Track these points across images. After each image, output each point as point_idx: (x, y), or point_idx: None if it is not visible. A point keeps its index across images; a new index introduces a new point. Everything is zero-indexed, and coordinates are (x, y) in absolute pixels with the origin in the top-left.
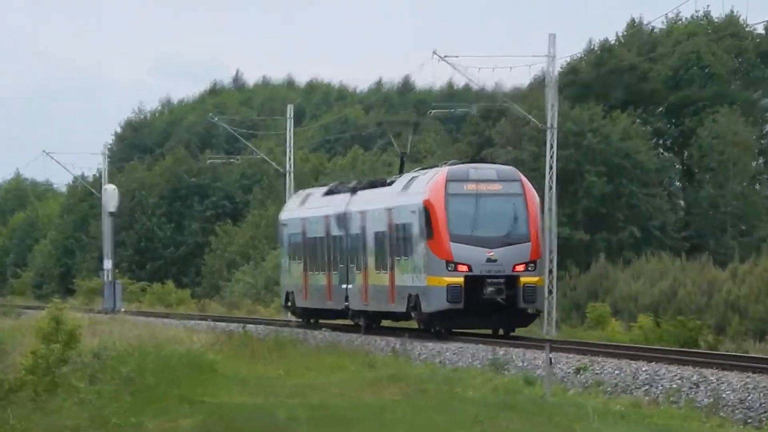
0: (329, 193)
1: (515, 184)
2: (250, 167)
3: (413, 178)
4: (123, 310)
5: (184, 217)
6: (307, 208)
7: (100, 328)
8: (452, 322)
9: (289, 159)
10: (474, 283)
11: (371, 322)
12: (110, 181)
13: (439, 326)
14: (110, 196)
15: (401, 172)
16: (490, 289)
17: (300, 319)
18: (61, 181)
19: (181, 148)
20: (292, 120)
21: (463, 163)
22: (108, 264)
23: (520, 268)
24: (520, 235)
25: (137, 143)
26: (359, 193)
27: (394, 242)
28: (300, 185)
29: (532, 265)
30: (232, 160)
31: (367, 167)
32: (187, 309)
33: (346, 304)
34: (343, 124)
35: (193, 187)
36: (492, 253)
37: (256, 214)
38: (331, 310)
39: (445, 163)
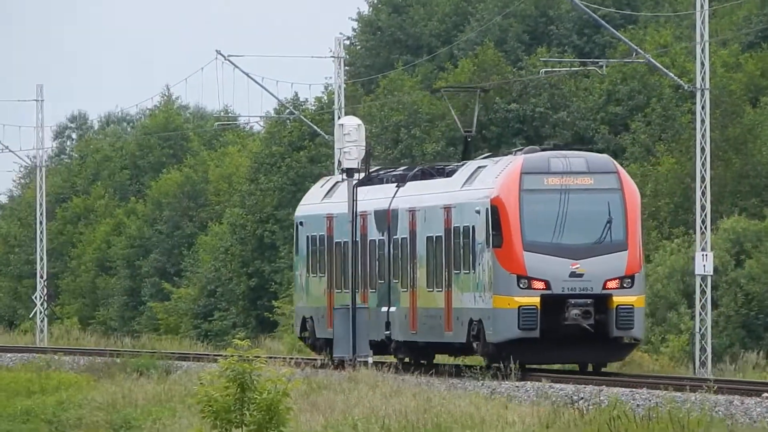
0: (366, 182)
1: (610, 177)
2: (624, 81)
3: (479, 168)
4: (370, 360)
5: None
6: (334, 202)
7: (330, 397)
8: (526, 355)
9: (701, 64)
10: (553, 304)
11: (420, 358)
12: (350, 110)
13: (509, 361)
14: (349, 138)
15: (465, 157)
16: (574, 311)
17: (320, 356)
18: (254, 109)
19: (487, 43)
20: None
21: (543, 149)
22: None
23: (613, 284)
24: (615, 243)
25: (401, 32)
26: (409, 184)
27: (452, 251)
28: (728, 114)
29: (629, 280)
30: (591, 70)
31: None
32: None
33: (387, 333)
34: None
35: (507, 120)
36: (577, 266)
37: (633, 167)
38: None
39: (521, 150)
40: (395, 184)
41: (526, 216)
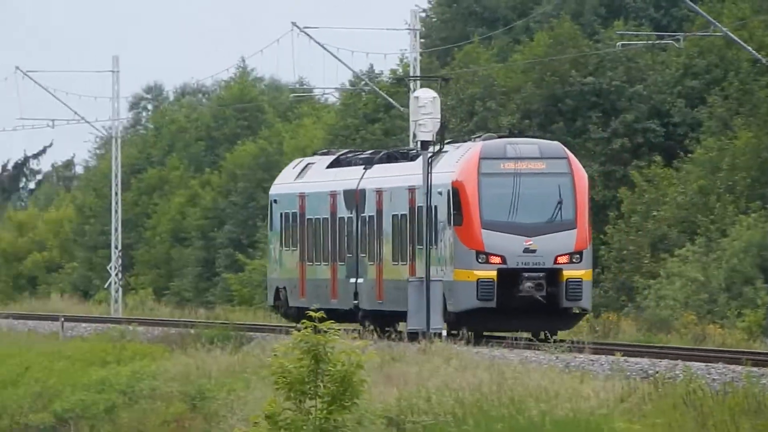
0: (336, 164)
1: (561, 162)
2: (701, 54)
3: (441, 153)
4: (444, 333)
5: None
6: (306, 182)
7: (405, 370)
8: (483, 323)
9: None
10: (509, 277)
11: (385, 325)
12: (425, 83)
13: (467, 328)
14: (424, 111)
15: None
16: (527, 284)
17: (294, 323)
18: (329, 81)
19: (563, 15)
20: None
21: (500, 137)
22: None
23: (564, 259)
24: (565, 222)
25: (477, 5)
26: (375, 167)
27: (416, 228)
28: None
29: (578, 256)
30: (668, 43)
31: None
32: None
33: (356, 302)
34: None
35: (583, 94)
36: (530, 242)
37: (710, 141)
38: (336, 310)
39: (479, 137)
40: (363, 167)
41: (484, 197)
